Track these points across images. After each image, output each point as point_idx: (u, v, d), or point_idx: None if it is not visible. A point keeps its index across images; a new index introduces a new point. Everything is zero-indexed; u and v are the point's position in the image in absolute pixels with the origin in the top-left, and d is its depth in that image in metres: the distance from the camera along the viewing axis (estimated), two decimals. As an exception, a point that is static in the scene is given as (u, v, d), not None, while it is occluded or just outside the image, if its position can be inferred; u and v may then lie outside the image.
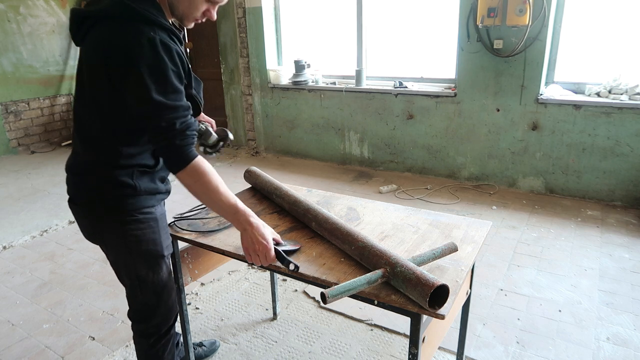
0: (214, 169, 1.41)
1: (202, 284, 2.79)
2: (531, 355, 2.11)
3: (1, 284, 2.88)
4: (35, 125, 6.02)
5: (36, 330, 2.42)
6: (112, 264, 1.64)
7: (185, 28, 1.52)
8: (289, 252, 1.44)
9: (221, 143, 1.74)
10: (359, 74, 4.62)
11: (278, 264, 1.40)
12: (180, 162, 1.35)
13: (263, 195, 1.97)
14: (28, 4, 5.77)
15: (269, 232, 1.42)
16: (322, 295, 1.17)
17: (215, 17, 1.48)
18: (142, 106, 1.30)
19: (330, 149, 5.05)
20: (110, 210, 1.49)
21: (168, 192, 1.64)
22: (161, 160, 1.50)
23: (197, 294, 2.71)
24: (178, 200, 4.13)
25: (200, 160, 1.38)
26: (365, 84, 4.67)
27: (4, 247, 3.36)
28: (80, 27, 1.39)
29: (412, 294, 1.18)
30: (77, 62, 1.46)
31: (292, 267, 1.36)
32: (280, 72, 5.09)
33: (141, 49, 1.26)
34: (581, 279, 2.68)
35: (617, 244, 3.07)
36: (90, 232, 1.59)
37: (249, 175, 2.07)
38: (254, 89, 5.35)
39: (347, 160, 4.98)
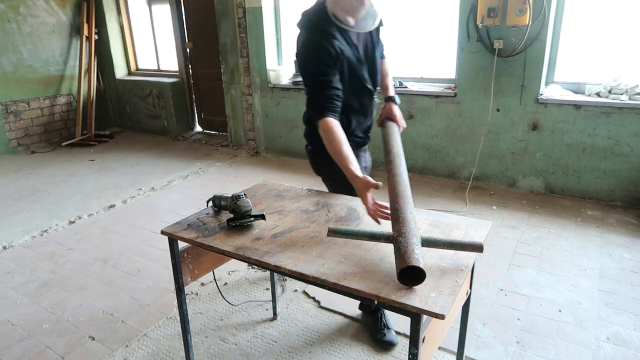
0: (341, 131, 1.79)
1: (202, 284, 2.79)
2: (531, 355, 2.11)
3: (1, 284, 2.89)
4: (35, 125, 6.02)
5: (36, 330, 2.42)
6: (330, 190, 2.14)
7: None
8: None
9: (251, 218, 1.69)
10: (359, 74, 4.61)
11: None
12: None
13: None
14: (28, 4, 5.77)
15: (361, 189, 1.65)
16: (329, 230, 1.42)
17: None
18: None
19: (330, 149, 5.04)
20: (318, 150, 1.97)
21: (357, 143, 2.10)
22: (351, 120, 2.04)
23: (197, 294, 2.71)
24: (178, 201, 4.14)
25: (329, 121, 1.78)
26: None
27: (4, 247, 3.36)
28: None
29: (396, 264, 1.26)
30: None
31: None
32: (280, 72, 5.09)
33: None
34: (581, 279, 2.68)
35: (617, 244, 3.07)
36: (313, 167, 2.21)
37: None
38: (254, 89, 5.35)
39: (347, 160, 4.97)
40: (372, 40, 2.02)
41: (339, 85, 1.85)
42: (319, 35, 1.83)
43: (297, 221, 1.73)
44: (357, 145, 2.10)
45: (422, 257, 1.27)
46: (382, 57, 2.20)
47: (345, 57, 1.86)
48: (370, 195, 1.63)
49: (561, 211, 3.61)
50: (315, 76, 1.85)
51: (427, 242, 1.38)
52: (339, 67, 1.84)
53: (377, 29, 2.04)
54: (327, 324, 2.38)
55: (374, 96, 2.08)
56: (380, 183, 1.59)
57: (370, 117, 2.14)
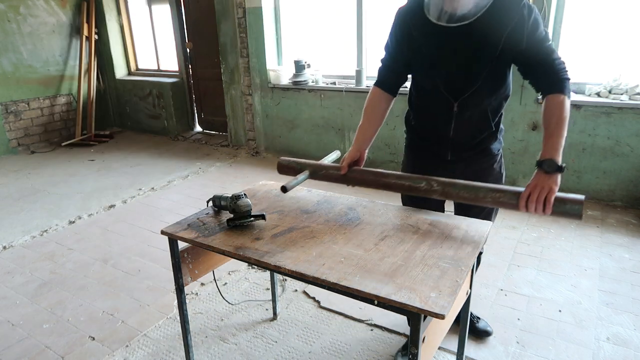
0: (374, 104, 1.90)
1: (202, 284, 2.79)
2: (531, 355, 2.11)
3: (1, 284, 2.89)
4: (35, 125, 6.02)
5: (36, 330, 2.42)
6: None
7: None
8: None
9: (250, 218, 1.69)
10: (359, 74, 4.62)
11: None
12: None
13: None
14: (28, 4, 5.77)
15: (348, 156, 1.86)
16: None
17: None
18: None
19: (331, 149, 5.04)
20: None
21: (435, 154, 1.95)
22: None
23: (197, 294, 2.71)
24: (178, 201, 4.14)
25: (374, 90, 1.90)
26: (365, 84, 4.66)
27: (4, 247, 3.36)
28: None
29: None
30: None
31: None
32: (280, 72, 5.09)
33: None
34: (581, 279, 2.68)
35: (617, 244, 3.07)
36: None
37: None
38: (254, 89, 5.35)
39: (347, 160, 4.97)
40: (485, 41, 1.59)
41: (393, 65, 1.86)
42: (398, 13, 1.79)
43: (297, 221, 1.73)
44: (439, 161, 1.88)
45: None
46: (547, 92, 1.61)
47: (414, 47, 1.74)
48: (346, 165, 1.84)
49: (561, 211, 3.61)
50: (384, 48, 1.90)
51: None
52: (404, 51, 1.78)
53: (508, 34, 1.57)
54: (327, 324, 2.38)
55: (453, 107, 1.73)
56: (345, 169, 1.82)
57: (448, 129, 1.79)
